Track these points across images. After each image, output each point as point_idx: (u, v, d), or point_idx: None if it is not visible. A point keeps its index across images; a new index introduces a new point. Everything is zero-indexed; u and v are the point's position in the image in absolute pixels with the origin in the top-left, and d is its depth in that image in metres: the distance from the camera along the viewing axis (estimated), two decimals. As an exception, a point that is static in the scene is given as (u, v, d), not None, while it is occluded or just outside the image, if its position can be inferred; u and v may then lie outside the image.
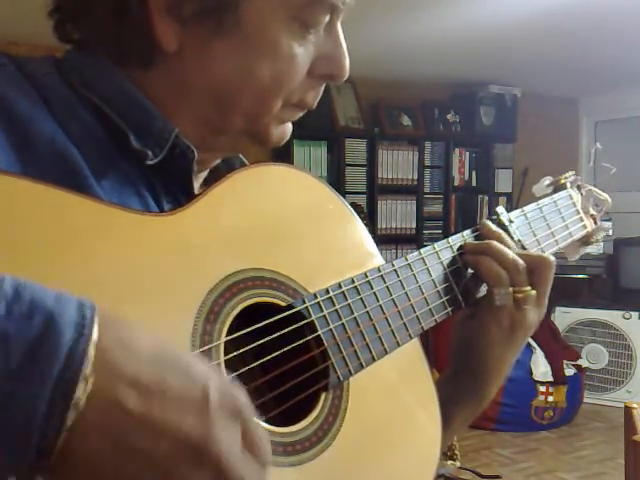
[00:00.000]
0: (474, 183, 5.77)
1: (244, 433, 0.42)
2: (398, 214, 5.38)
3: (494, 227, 0.83)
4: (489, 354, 0.80)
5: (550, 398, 4.35)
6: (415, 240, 5.39)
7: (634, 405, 1.74)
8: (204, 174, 0.71)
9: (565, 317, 4.99)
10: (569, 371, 4.46)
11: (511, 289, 0.77)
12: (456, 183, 5.69)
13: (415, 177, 5.45)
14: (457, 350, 0.83)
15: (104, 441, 0.37)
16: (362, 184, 5.23)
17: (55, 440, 0.37)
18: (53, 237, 0.50)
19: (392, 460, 0.68)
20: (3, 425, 0.36)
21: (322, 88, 0.69)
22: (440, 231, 5.56)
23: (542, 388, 4.33)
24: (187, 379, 0.40)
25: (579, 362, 4.62)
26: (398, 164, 5.39)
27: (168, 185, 0.63)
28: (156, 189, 0.62)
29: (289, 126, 0.69)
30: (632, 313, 4.80)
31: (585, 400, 4.65)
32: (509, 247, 0.80)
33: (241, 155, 0.75)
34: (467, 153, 5.72)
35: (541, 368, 4.36)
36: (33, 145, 0.54)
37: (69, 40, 0.64)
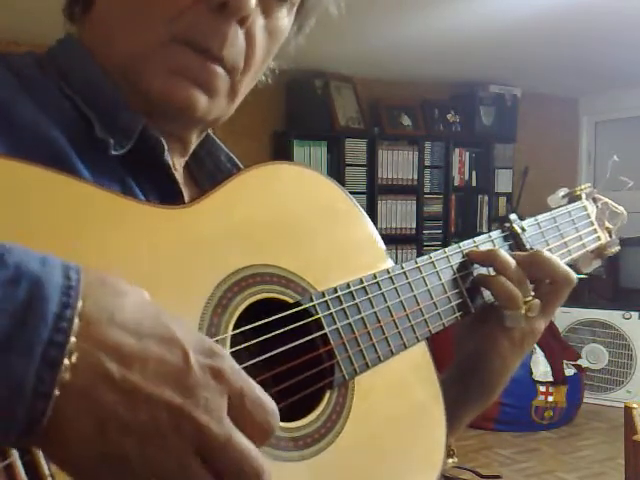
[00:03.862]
0: (474, 183, 5.77)
1: (231, 395, 0.41)
2: (398, 214, 5.37)
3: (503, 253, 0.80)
4: (499, 365, 0.81)
5: (550, 398, 4.35)
6: (415, 240, 5.39)
7: (634, 405, 1.74)
8: (183, 159, 0.70)
9: (565, 317, 4.99)
10: (569, 371, 4.46)
11: (523, 310, 0.76)
12: (456, 183, 5.68)
13: (415, 177, 5.45)
14: (465, 357, 0.83)
15: (85, 410, 0.37)
16: (362, 184, 5.23)
17: (45, 408, 0.36)
18: (64, 226, 0.50)
19: (395, 461, 0.68)
20: None
21: (226, 28, 0.58)
22: (440, 231, 5.56)
23: (542, 388, 4.33)
24: (168, 346, 0.40)
25: (579, 362, 4.62)
26: (398, 164, 5.38)
27: (149, 177, 0.63)
28: (140, 179, 0.62)
29: (188, 89, 0.58)
30: (632, 313, 4.80)
31: (585, 400, 4.65)
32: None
33: (237, 160, 0.75)
34: (467, 153, 5.72)
35: (541, 368, 4.36)
36: (18, 129, 0.53)
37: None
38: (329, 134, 5.13)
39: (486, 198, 5.73)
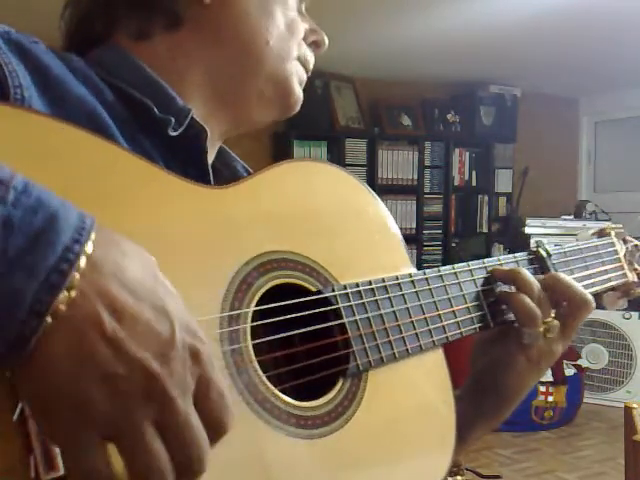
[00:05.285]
0: (474, 183, 5.77)
1: (200, 380, 0.43)
2: (398, 214, 5.37)
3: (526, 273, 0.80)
4: (515, 382, 0.81)
5: (550, 398, 4.36)
6: (415, 240, 5.39)
7: (634, 405, 1.74)
8: (212, 155, 0.74)
9: (565, 317, 4.98)
10: (569, 371, 4.46)
11: (542, 328, 0.77)
12: (456, 183, 5.69)
13: (415, 177, 5.45)
14: (481, 372, 0.84)
15: (70, 346, 0.39)
16: (362, 184, 5.23)
17: (36, 328, 0.38)
18: (103, 189, 0.53)
19: (400, 456, 0.69)
20: None
21: (313, 58, 0.79)
22: (440, 231, 5.56)
23: (542, 388, 4.33)
24: (159, 315, 0.42)
25: (579, 362, 4.62)
26: (398, 164, 5.39)
27: (184, 164, 0.66)
28: (172, 167, 0.65)
29: (301, 93, 0.76)
30: (632, 313, 4.80)
31: (585, 400, 4.65)
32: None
33: (245, 164, 0.77)
34: (467, 153, 5.73)
35: (541, 368, 4.36)
36: (66, 102, 0.59)
37: (91, 38, 0.70)
38: (329, 134, 5.14)
39: (486, 198, 5.74)
